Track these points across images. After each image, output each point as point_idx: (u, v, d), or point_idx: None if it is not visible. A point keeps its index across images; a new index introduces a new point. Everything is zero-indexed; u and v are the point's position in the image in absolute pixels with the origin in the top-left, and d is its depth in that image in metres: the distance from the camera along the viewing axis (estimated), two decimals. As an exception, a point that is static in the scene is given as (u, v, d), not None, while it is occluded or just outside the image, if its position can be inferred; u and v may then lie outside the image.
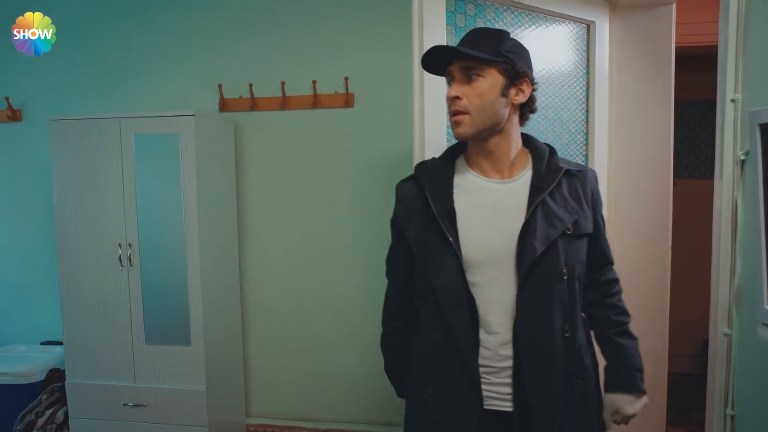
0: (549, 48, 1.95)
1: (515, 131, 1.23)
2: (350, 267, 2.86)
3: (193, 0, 2.89)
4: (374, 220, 2.78)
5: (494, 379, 1.18)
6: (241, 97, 2.87)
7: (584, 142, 2.12)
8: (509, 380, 1.17)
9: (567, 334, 1.18)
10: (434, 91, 1.65)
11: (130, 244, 2.53)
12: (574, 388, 1.19)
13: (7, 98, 3.04)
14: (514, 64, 1.17)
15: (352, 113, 2.77)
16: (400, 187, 1.29)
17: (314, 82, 2.73)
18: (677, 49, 2.13)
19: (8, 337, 3.18)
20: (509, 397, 1.17)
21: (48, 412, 2.68)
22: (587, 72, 2.09)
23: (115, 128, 2.50)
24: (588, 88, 2.09)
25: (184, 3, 2.90)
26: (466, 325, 1.15)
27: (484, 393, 1.16)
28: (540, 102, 1.93)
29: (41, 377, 2.79)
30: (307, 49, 2.79)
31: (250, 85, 2.81)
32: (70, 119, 2.55)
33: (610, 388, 1.28)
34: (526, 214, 1.16)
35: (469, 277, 1.17)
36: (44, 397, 2.72)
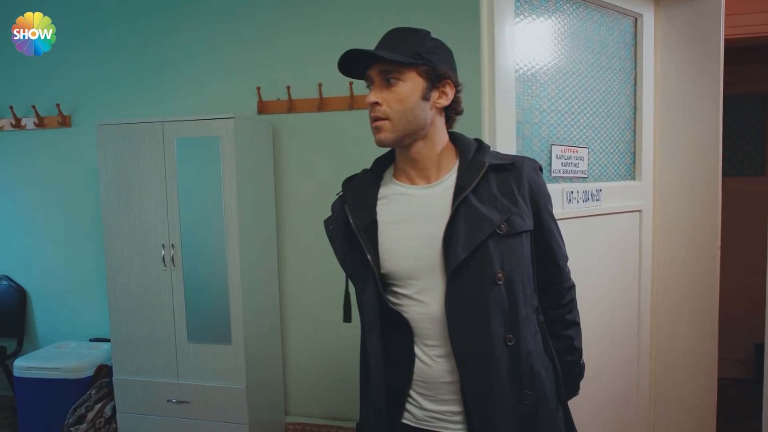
0: (598, 40, 1.91)
1: (440, 135, 1.16)
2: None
3: (231, 4, 2.95)
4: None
5: (442, 397, 1.11)
6: (278, 99, 2.91)
7: (632, 139, 2.06)
8: (457, 396, 1.10)
9: (510, 343, 1.09)
10: (505, 90, 1.58)
11: (172, 245, 2.60)
12: (524, 400, 1.10)
13: (57, 105, 3.18)
14: (435, 66, 1.10)
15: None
16: (333, 205, 1.25)
17: (351, 83, 2.74)
18: (726, 41, 2.04)
19: (59, 334, 3.32)
20: (459, 417, 1.10)
21: (97, 407, 2.78)
22: (635, 66, 2.03)
23: (158, 132, 2.58)
24: (636, 84, 2.04)
25: (221, 8, 2.97)
26: (377, 347, 1.14)
27: (429, 415, 1.13)
28: (587, 96, 1.89)
29: (90, 373, 2.90)
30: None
31: (288, 87, 2.84)
32: (116, 124, 2.64)
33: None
34: (455, 214, 1.08)
35: (399, 290, 1.13)
36: (93, 391, 2.82)
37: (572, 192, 1.81)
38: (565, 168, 1.82)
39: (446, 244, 1.08)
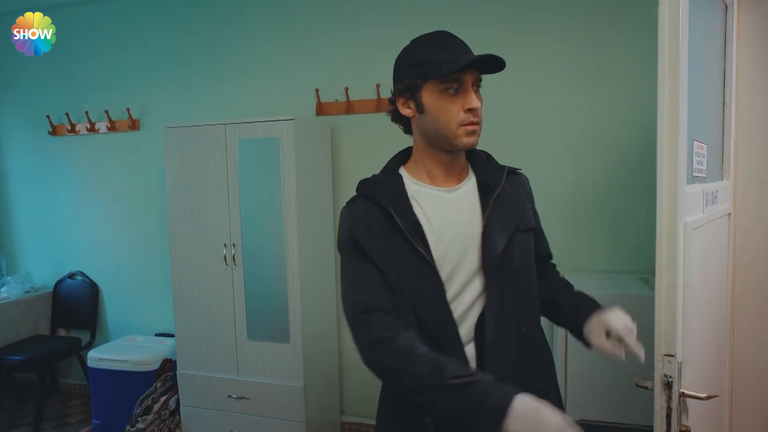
0: (704, 28, 1.77)
1: None
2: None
3: (290, 7, 2.99)
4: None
5: None
6: (336, 100, 2.93)
7: (721, 136, 1.93)
8: None
9: (525, 329, 1.17)
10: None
11: (234, 244, 2.66)
12: (533, 386, 1.09)
13: (128, 109, 3.32)
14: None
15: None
16: (352, 208, 1.20)
17: (408, 84, 2.72)
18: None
19: (127, 327, 3.48)
20: None
21: (162, 399, 2.88)
22: (724, 59, 1.90)
23: (221, 134, 2.64)
24: (725, 76, 1.90)
25: (281, 12, 3.01)
26: (454, 338, 1.12)
27: None
28: (697, 87, 1.76)
29: (156, 366, 3.01)
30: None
31: (346, 89, 2.86)
32: (181, 127, 2.73)
33: (584, 317, 1.21)
34: (484, 215, 1.16)
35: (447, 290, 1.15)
36: (159, 384, 2.94)
37: (707, 194, 1.65)
38: (698, 167, 1.68)
39: (485, 241, 1.14)
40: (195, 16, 3.20)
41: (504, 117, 2.64)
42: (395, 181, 1.21)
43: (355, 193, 1.25)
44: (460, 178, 1.22)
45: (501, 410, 0.90)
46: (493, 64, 1.12)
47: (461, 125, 1.13)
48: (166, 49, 3.28)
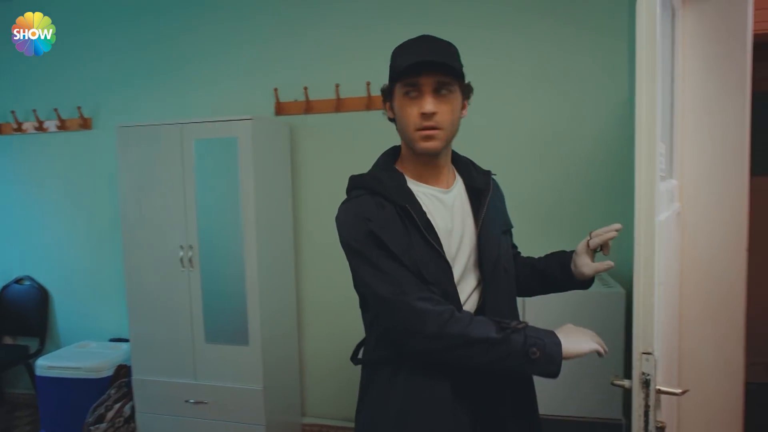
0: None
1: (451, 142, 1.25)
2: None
3: (249, 6, 2.96)
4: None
5: None
6: (296, 100, 2.91)
7: (670, 135, 2.00)
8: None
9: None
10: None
11: (190, 246, 2.61)
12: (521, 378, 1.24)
13: (78, 108, 3.22)
14: (468, 82, 1.20)
15: (406, 114, 2.76)
16: (359, 204, 1.17)
17: (368, 84, 2.73)
18: (755, 36, 1.98)
19: (80, 333, 3.37)
20: None
21: (116, 406, 2.80)
22: (672, 62, 1.98)
23: (177, 134, 2.59)
24: (672, 79, 1.98)
25: (240, 11, 2.98)
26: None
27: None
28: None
29: (110, 372, 2.92)
30: (361, 50, 2.80)
31: (305, 88, 2.84)
32: (135, 126, 2.66)
33: (567, 259, 1.32)
34: (477, 219, 1.22)
35: None
36: (113, 391, 2.85)
37: (668, 192, 1.70)
38: (660, 166, 1.72)
39: (481, 241, 1.20)
40: (150, 12, 3.12)
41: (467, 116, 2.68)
42: (399, 179, 1.20)
43: (349, 189, 1.26)
44: (449, 181, 1.25)
45: (555, 336, 1.09)
46: (452, 67, 1.12)
47: (416, 129, 1.14)
48: (120, 45, 3.19)
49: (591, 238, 1.27)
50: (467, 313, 1.13)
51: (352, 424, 2.96)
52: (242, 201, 2.52)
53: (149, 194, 2.66)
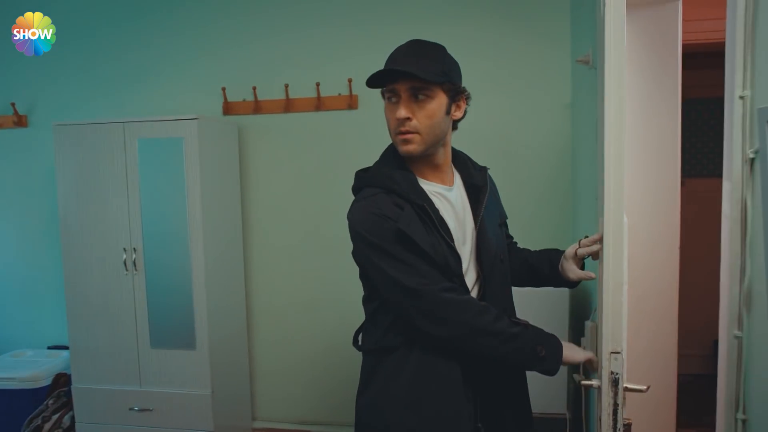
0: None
1: (450, 142, 1.30)
2: (356, 270, 2.83)
3: (196, 4, 2.89)
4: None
5: None
6: (244, 100, 2.86)
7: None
8: None
9: (508, 309, 1.32)
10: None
11: (134, 249, 2.53)
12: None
13: (12, 104, 3.06)
14: (455, 83, 1.21)
15: (356, 115, 2.77)
16: (378, 202, 1.20)
17: (318, 85, 2.72)
18: (684, 46, 2.09)
19: (15, 342, 3.20)
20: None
21: (54, 417, 2.68)
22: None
23: (119, 133, 2.51)
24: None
25: (186, 7, 2.91)
26: None
27: None
28: None
29: (48, 382, 2.80)
30: (310, 50, 2.78)
31: (254, 88, 2.81)
32: (74, 124, 2.56)
33: (556, 259, 1.38)
34: (476, 215, 1.28)
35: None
36: (51, 401, 2.73)
37: None
38: None
39: (480, 235, 1.26)
40: (90, 5, 3.00)
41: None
42: (411, 178, 1.24)
43: (359, 187, 1.29)
44: (450, 178, 1.31)
45: (558, 339, 1.21)
46: (419, 76, 1.13)
47: (396, 134, 1.20)
48: (59, 38, 3.04)
49: (579, 247, 1.29)
50: (486, 304, 1.21)
51: (304, 427, 2.94)
52: (188, 202, 2.47)
53: (90, 195, 2.56)
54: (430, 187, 1.25)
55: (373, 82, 1.18)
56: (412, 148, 1.19)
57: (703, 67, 2.86)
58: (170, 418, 2.56)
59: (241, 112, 2.88)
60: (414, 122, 1.17)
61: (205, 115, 2.62)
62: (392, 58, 1.20)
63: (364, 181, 1.29)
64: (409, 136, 1.18)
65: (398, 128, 1.18)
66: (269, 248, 2.93)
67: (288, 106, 2.81)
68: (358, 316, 2.91)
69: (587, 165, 2.07)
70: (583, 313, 2.37)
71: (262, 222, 2.92)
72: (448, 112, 1.21)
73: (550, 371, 1.20)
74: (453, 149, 1.34)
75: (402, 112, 1.16)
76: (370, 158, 3.05)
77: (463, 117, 1.28)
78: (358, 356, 2.94)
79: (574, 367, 1.36)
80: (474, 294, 1.26)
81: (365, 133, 2.75)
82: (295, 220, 2.89)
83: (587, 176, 2.25)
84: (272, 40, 2.83)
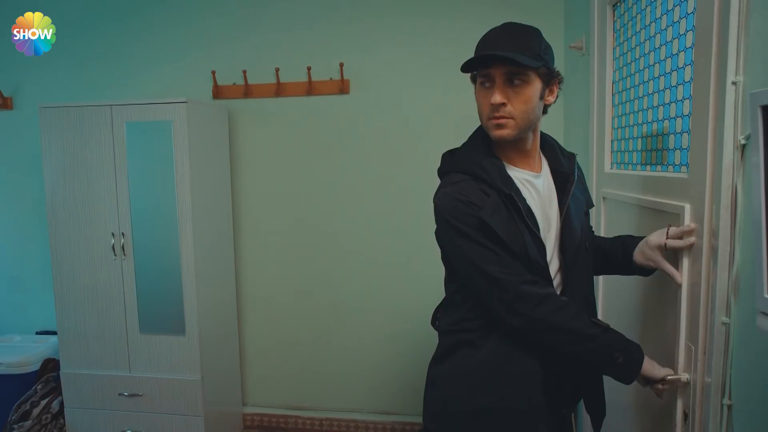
0: None
1: (539, 127, 1.28)
2: (346, 255, 2.83)
3: (185, -16, 2.84)
4: (369, 209, 2.76)
5: None
6: (234, 84, 2.83)
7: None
8: None
9: (589, 298, 1.33)
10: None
11: (123, 234, 2.51)
12: None
13: (-3, 86, 3.00)
14: (550, 68, 1.19)
15: (348, 100, 2.74)
16: (463, 190, 1.19)
17: (309, 69, 2.69)
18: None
19: (3, 327, 3.18)
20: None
21: (43, 402, 2.67)
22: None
23: (107, 116, 2.47)
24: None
25: (175, -12, 2.85)
26: None
27: None
28: None
29: (36, 367, 2.78)
30: (301, 34, 2.74)
31: (244, 72, 2.77)
32: (60, 107, 2.52)
33: (630, 246, 1.34)
34: (562, 203, 1.26)
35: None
36: (39, 387, 2.71)
37: None
38: None
39: (565, 224, 1.25)
40: (76, -13, 2.94)
41: (382, 112, 2.68)
42: (499, 165, 1.22)
43: (446, 171, 1.27)
44: (538, 164, 1.29)
45: (640, 351, 1.19)
46: (517, 61, 1.11)
47: (489, 119, 1.18)
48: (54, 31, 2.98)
49: (668, 237, 1.22)
50: (567, 301, 1.20)
51: (294, 413, 2.95)
52: (177, 186, 2.44)
53: (77, 179, 2.53)
54: (517, 173, 1.24)
55: (467, 66, 1.17)
56: (505, 132, 1.17)
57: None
58: (160, 404, 2.55)
59: (231, 96, 2.84)
60: (509, 108, 1.15)
61: (194, 98, 2.58)
62: (488, 42, 1.18)
63: (451, 165, 1.27)
64: (503, 121, 1.16)
65: (492, 113, 1.17)
66: (259, 233, 2.91)
67: (279, 90, 2.78)
68: (347, 300, 2.92)
69: (580, 150, 2.07)
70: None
71: (252, 206, 2.90)
72: (541, 97, 1.19)
73: (624, 379, 1.18)
74: (542, 134, 1.32)
75: (497, 98, 1.14)
76: (360, 143, 3.05)
77: (554, 101, 1.25)
78: (349, 341, 2.96)
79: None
80: (556, 283, 1.26)
81: (356, 118, 2.73)
82: (286, 205, 2.87)
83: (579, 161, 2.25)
84: (263, 23, 2.79)
